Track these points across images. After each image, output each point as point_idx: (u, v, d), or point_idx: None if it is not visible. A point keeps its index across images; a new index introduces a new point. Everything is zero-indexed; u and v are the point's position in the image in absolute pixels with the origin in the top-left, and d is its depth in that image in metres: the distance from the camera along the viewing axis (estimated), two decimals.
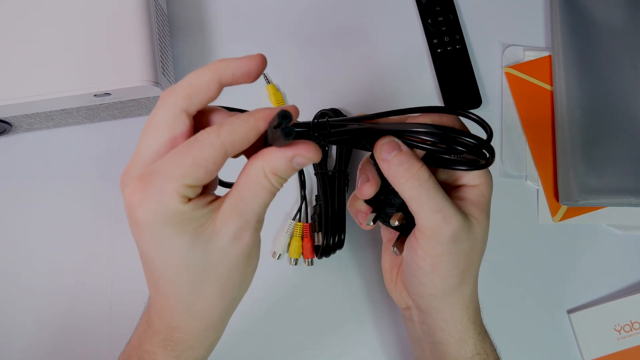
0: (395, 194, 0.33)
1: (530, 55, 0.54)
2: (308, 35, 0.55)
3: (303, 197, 0.51)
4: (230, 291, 0.30)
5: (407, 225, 0.34)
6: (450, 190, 0.34)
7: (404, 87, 0.54)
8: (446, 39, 0.54)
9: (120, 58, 0.44)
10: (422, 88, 0.54)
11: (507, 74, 0.54)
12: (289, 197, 0.51)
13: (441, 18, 0.54)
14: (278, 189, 0.27)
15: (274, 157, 0.26)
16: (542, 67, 0.54)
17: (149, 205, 0.25)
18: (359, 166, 0.35)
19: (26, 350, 0.48)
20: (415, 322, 0.38)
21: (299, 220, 0.50)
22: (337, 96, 0.53)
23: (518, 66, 0.54)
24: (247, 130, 0.26)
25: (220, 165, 0.26)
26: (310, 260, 0.50)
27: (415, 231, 0.32)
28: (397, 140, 0.30)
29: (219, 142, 0.25)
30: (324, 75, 0.54)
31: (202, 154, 0.25)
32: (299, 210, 0.50)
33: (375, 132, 0.30)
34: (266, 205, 0.28)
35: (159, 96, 0.47)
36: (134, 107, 0.49)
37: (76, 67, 0.44)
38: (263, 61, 0.27)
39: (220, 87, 0.27)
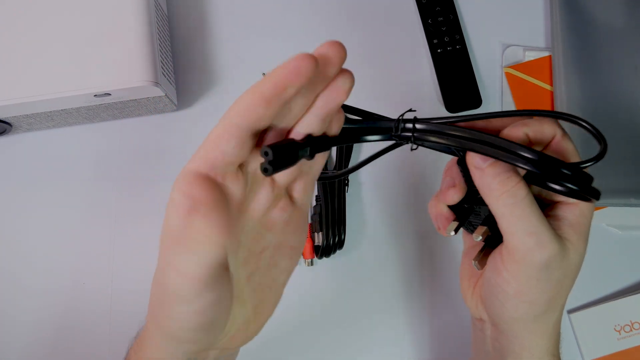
0: (482, 203, 0.30)
1: (530, 56, 0.54)
2: (308, 35, 0.55)
3: None
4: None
5: (493, 239, 0.31)
6: (545, 206, 0.30)
7: (404, 86, 0.54)
8: (446, 39, 0.54)
9: (120, 58, 0.44)
10: (422, 88, 0.54)
11: (507, 74, 0.54)
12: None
13: (441, 18, 0.54)
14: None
15: None
16: (542, 67, 0.54)
17: None
18: (445, 168, 0.32)
19: (26, 350, 0.48)
20: (486, 336, 0.35)
21: None
22: None
23: (518, 66, 0.54)
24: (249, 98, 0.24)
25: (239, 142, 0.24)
26: (310, 260, 0.50)
27: (502, 250, 0.29)
28: None
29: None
30: None
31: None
32: None
33: (467, 140, 0.27)
34: None
35: (159, 96, 0.47)
36: (134, 107, 0.49)
37: (76, 68, 0.44)
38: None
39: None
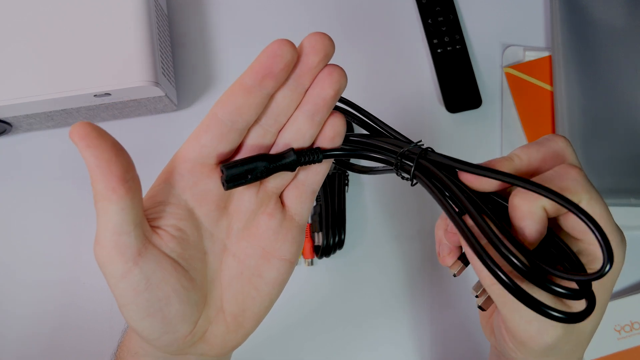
0: None
1: (530, 56, 0.54)
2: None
3: None
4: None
5: None
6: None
7: (404, 87, 0.54)
8: (446, 39, 0.54)
9: (120, 58, 0.44)
10: (422, 88, 0.54)
11: (507, 74, 0.54)
12: None
13: (441, 18, 0.54)
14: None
15: None
16: (542, 67, 0.54)
17: None
18: (440, 231, 0.29)
19: (26, 350, 0.48)
20: None
21: None
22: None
23: (518, 66, 0.54)
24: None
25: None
26: (310, 260, 0.50)
27: (503, 324, 0.26)
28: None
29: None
30: None
31: None
32: None
33: (459, 202, 0.24)
34: None
35: (159, 96, 0.47)
36: (135, 107, 0.49)
37: (76, 68, 0.44)
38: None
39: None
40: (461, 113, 0.53)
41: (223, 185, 0.24)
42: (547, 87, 0.54)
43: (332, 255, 0.49)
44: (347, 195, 0.50)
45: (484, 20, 0.55)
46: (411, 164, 0.25)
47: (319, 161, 0.26)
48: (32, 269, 0.50)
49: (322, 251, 0.48)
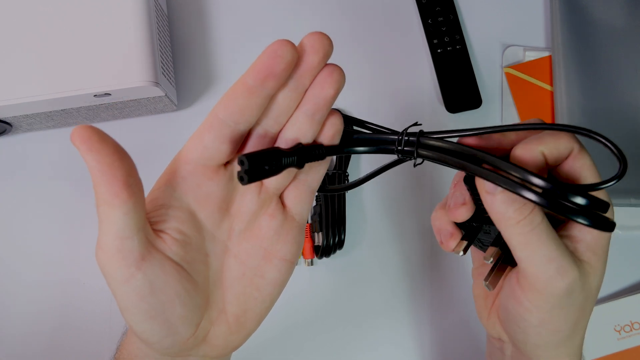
0: (491, 222, 0.28)
1: (531, 56, 0.54)
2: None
3: None
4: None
5: (505, 259, 0.29)
6: (558, 223, 0.28)
7: (404, 87, 0.54)
8: (446, 39, 0.54)
9: (120, 58, 0.44)
10: (422, 88, 0.54)
11: (507, 74, 0.54)
12: None
13: (441, 18, 0.54)
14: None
15: None
16: (542, 67, 0.54)
17: None
18: (454, 180, 0.30)
19: (26, 350, 0.48)
20: (506, 355, 0.33)
21: None
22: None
23: (518, 66, 0.54)
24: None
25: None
26: (310, 260, 0.50)
27: (520, 280, 0.27)
28: None
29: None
30: None
31: None
32: None
33: (476, 159, 0.25)
34: None
35: (159, 96, 0.47)
36: (134, 107, 0.49)
37: (76, 68, 0.44)
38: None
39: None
40: (461, 113, 0.53)
41: (241, 179, 0.23)
42: (547, 87, 0.54)
43: (332, 255, 0.49)
44: (347, 195, 0.50)
45: (484, 21, 0.55)
46: (412, 148, 0.27)
47: (323, 157, 0.26)
48: (31, 269, 0.50)
49: (322, 251, 0.48)
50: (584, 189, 0.23)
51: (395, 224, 0.51)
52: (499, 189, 0.25)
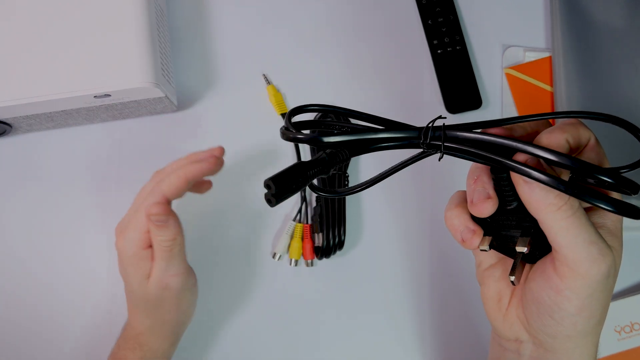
0: (515, 215, 0.28)
1: (531, 56, 0.54)
2: (308, 35, 0.55)
3: (303, 198, 0.51)
4: (174, 316, 0.42)
5: (532, 253, 0.29)
6: None
7: (404, 87, 0.54)
8: (446, 39, 0.54)
9: (120, 59, 0.44)
10: (422, 89, 0.54)
11: (507, 74, 0.54)
12: (289, 199, 0.51)
13: (441, 19, 0.54)
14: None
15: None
16: (542, 68, 0.54)
17: (121, 245, 0.40)
18: (473, 175, 0.29)
19: (26, 350, 0.48)
20: (523, 355, 0.32)
21: (299, 221, 0.50)
22: (337, 96, 0.53)
23: (518, 67, 0.54)
24: (178, 183, 0.38)
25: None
26: (310, 261, 0.50)
27: (560, 269, 0.27)
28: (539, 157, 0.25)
29: (159, 196, 0.38)
30: (324, 76, 0.54)
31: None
32: (299, 211, 0.50)
33: (504, 149, 0.25)
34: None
35: (159, 97, 0.47)
36: (134, 108, 0.49)
37: (76, 69, 0.44)
38: (220, 162, 0.39)
39: (188, 185, 0.39)
40: (461, 114, 0.53)
41: (269, 201, 0.23)
42: (547, 87, 0.54)
43: (332, 256, 0.49)
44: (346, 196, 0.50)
45: (484, 21, 0.55)
46: (439, 142, 0.26)
47: (348, 159, 0.27)
48: (31, 269, 0.50)
49: (322, 252, 0.48)
50: (616, 171, 0.24)
51: (395, 224, 0.51)
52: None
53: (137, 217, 0.39)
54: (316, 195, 0.50)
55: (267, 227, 0.51)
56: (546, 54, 0.54)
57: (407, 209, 0.52)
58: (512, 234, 0.29)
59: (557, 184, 0.24)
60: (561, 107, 0.52)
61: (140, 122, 0.52)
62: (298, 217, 0.50)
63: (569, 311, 0.28)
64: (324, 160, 0.25)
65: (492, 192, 0.28)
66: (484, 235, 0.30)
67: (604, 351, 0.49)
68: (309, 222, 0.51)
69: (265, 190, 0.23)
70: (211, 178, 0.51)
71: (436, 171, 0.52)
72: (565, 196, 0.25)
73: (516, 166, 0.24)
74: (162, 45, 0.48)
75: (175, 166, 0.40)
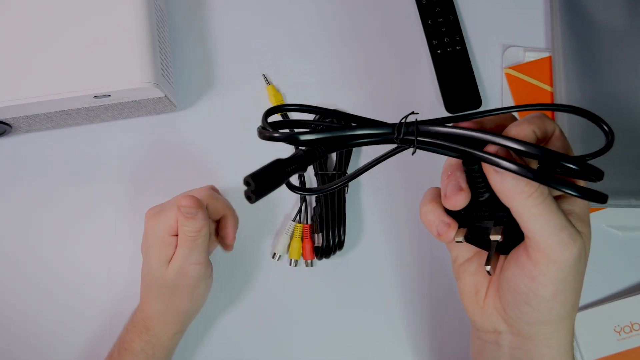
0: (488, 206, 0.29)
1: (531, 56, 0.54)
2: (308, 36, 0.55)
3: (303, 199, 0.51)
4: (185, 305, 0.43)
5: (505, 243, 0.30)
6: None
7: (404, 87, 0.54)
8: (446, 39, 0.54)
9: (120, 59, 0.44)
10: (422, 89, 0.54)
11: (507, 74, 0.54)
12: (289, 199, 0.51)
13: (441, 19, 0.54)
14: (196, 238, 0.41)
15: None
16: (542, 68, 0.54)
17: (150, 227, 0.42)
18: (447, 171, 0.31)
19: (25, 349, 0.48)
20: (502, 346, 0.33)
21: (299, 222, 0.50)
22: (336, 96, 0.53)
23: (518, 67, 0.54)
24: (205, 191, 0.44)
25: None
26: (310, 261, 0.50)
27: (533, 255, 0.28)
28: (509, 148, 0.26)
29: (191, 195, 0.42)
30: (324, 76, 0.54)
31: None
32: (299, 211, 0.50)
33: (475, 141, 0.27)
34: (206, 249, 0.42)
35: (158, 97, 0.47)
36: (134, 108, 0.49)
37: (76, 69, 0.44)
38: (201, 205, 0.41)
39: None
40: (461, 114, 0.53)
41: (249, 198, 0.24)
42: (547, 87, 0.54)
43: (332, 257, 0.49)
44: (346, 196, 0.50)
45: (484, 21, 0.55)
46: (412, 137, 0.28)
47: (325, 156, 0.28)
48: (30, 270, 0.50)
49: (322, 252, 0.48)
50: (582, 158, 0.26)
51: (394, 224, 0.51)
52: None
53: (172, 206, 0.41)
54: (315, 195, 0.50)
55: (266, 227, 0.51)
56: (546, 54, 0.54)
57: (406, 210, 0.52)
58: (486, 225, 0.30)
59: (526, 172, 0.25)
60: None
61: (140, 122, 0.52)
62: (298, 217, 0.50)
63: (544, 297, 0.29)
64: (301, 157, 0.26)
65: (464, 184, 0.29)
66: (459, 227, 0.31)
67: (604, 351, 0.49)
68: (309, 222, 0.51)
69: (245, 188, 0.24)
70: (210, 178, 0.51)
71: (436, 172, 0.52)
72: (535, 184, 0.26)
73: (487, 157, 0.26)
74: (162, 45, 0.48)
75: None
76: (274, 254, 0.50)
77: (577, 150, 0.51)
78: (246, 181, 0.24)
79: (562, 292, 0.29)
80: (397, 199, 0.52)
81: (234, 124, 0.52)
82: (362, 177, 0.52)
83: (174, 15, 0.55)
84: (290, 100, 0.53)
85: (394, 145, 0.29)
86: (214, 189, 0.47)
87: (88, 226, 0.50)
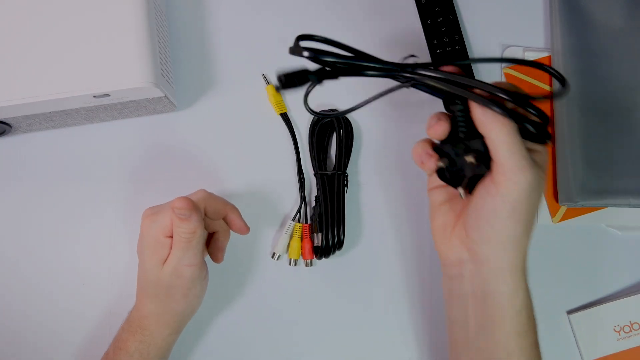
0: (466, 140, 0.35)
1: (530, 56, 0.54)
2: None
3: (302, 198, 0.51)
4: (180, 306, 0.43)
5: (471, 181, 0.36)
6: None
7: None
8: (446, 39, 0.54)
9: (119, 59, 0.44)
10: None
11: (507, 74, 0.54)
12: (288, 198, 0.51)
13: (441, 18, 0.54)
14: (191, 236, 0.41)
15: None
16: None
17: (146, 227, 0.42)
18: (433, 115, 0.37)
19: (25, 349, 0.48)
20: (464, 276, 0.38)
21: (299, 221, 0.50)
22: (336, 96, 0.53)
23: (518, 67, 0.54)
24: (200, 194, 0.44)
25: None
26: (309, 261, 0.50)
27: (497, 178, 0.34)
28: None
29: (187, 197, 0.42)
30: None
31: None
32: (299, 211, 0.50)
33: (465, 85, 0.33)
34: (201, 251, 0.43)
35: (158, 97, 0.47)
36: (134, 108, 0.49)
37: (75, 69, 0.44)
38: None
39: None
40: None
41: (278, 88, 0.35)
42: (547, 87, 0.54)
43: (331, 256, 0.49)
44: (346, 195, 0.50)
45: (483, 21, 0.55)
46: (411, 76, 0.35)
47: (336, 77, 0.35)
48: (30, 270, 0.50)
49: (322, 252, 0.48)
50: (527, 97, 0.33)
51: (394, 224, 0.51)
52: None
53: (168, 207, 0.42)
54: (315, 195, 0.50)
55: (266, 226, 0.51)
56: (546, 54, 0.54)
57: (406, 209, 0.52)
58: (462, 162, 0.36)
59: (502, 111, 0.32)
60: (560, 107, 0.52)
61: (140, 122, 0.52)
62: (297, 217, 0.50)
63: (501, 214, 0.34)
64: (322, 70, 0.34)
65: (444, 117, 0.36)
66: (442, 157, 0.37)
67: (603, 351, 0.49)
68: (308, 221, 0.51)
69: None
70: (210, 178, 0.51)
71: None
72: (509, 119, 0.33)
73: (475, 96, 0.33)
74: (161, 45, 0.48)
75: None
76: (274, 253, 0.50)
77: (578, 153, 0.51)
78: (279, 77, 0.33)
79: (518, 212, 0.34)
80: (397, 198, 0.52)
81: (233, 124, 0.52)
82: (362, 177, 0.52)
83: (173, 15, 0.55)
84: (290, 100, 0.53)
85: (396, 84, 0.35)
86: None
87: (88, 226, 0.50)
